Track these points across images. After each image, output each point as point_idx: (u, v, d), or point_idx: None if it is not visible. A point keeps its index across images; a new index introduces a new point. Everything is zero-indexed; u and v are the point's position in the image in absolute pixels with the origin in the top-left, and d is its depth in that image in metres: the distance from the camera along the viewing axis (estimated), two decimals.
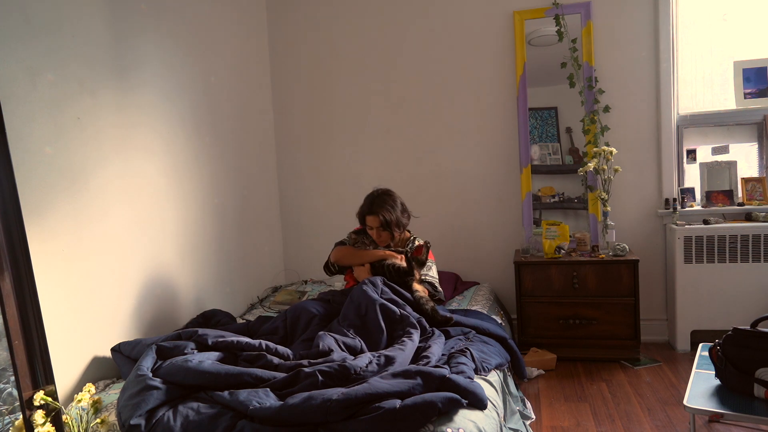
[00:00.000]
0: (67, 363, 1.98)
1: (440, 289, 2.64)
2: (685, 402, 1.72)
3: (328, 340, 1.94)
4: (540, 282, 3.06)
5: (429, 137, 3.54)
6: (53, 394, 1.52)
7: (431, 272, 2.64)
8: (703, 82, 3.24)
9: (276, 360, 1.85)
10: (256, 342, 1.93)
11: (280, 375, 1.74)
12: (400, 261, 2.51)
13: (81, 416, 1.61)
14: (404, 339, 2.00)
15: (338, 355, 1.86)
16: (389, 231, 2.56)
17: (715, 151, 3.25)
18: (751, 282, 2.94)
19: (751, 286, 2.95)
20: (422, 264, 2.59)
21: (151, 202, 2.48)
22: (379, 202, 2.54)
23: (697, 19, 3.20)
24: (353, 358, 1.83)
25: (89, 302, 2.09)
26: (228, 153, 3.16)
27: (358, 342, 2.02)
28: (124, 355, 2.06)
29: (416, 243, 2.67)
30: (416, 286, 2.43)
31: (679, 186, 3.26)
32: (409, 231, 2.76)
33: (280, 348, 1.94)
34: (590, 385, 2.73)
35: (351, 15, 3.60)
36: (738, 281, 2.96)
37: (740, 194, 3.17)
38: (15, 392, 1.70)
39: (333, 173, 3.73)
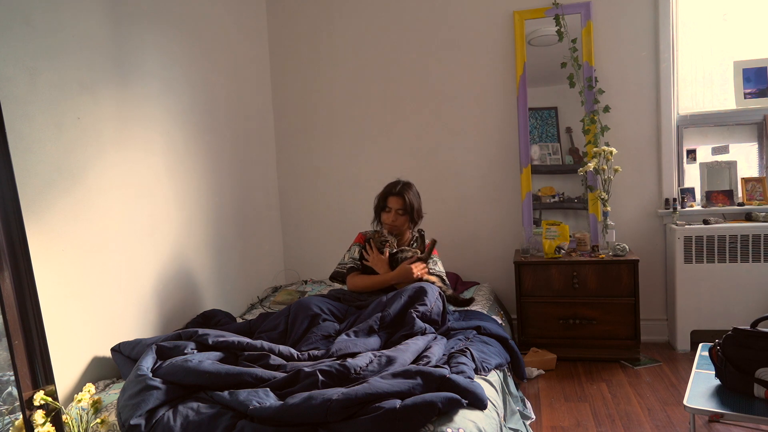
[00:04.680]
0: (67, 363, 1.98)
1: (448, 282, 2.69)
2: (685, 402, 1.72)
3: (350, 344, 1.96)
4: (540, 282, 3.06)
5: (428, 137, 3.54)
6: (53, 394, 1.52)
7: (437, 267, 2.68)
8: (703, 82, 3.24)
9: (278, 360, 1.85)
10: (257, 342, 1.93)
11: (280, 375, 1.74)
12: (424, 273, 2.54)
13: (81, 416, 1.61)
14: (408, 341, 2.00)
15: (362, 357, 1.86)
16: (408, 215, 2.57)
17: (715, 151, 3.25)
18: (751, 282, 2.94)
19: (751, 286, 2.95)
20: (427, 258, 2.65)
21: (151, 202, 2.48)
22: (405, 187, 2.60)
23: (697, 19, 3.20)
24: (372, 359, 1.82)
25: (89, 302, 2.09)
26: (228, 152, 3.16)
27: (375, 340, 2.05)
28: (124, 355, 2.05)
29: (426, 242, 2.70)
30: (429, 278, 2.53)
31: (679, 186, 3.26)
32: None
33: (282, 348, 1.94)
34: (590, 385, 2.73)
35: (351, 14, 3.60)
36: (738, 281, 2.96)
37: (740, 194, 3.16)
38: (15, 392, 1.70)
39: (333, 173, 3.73)
